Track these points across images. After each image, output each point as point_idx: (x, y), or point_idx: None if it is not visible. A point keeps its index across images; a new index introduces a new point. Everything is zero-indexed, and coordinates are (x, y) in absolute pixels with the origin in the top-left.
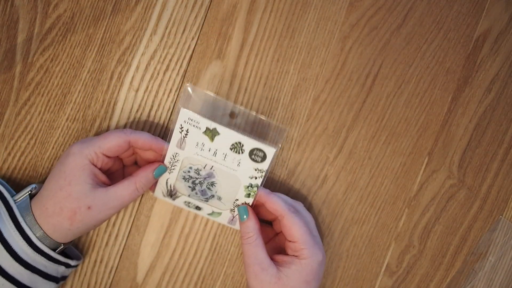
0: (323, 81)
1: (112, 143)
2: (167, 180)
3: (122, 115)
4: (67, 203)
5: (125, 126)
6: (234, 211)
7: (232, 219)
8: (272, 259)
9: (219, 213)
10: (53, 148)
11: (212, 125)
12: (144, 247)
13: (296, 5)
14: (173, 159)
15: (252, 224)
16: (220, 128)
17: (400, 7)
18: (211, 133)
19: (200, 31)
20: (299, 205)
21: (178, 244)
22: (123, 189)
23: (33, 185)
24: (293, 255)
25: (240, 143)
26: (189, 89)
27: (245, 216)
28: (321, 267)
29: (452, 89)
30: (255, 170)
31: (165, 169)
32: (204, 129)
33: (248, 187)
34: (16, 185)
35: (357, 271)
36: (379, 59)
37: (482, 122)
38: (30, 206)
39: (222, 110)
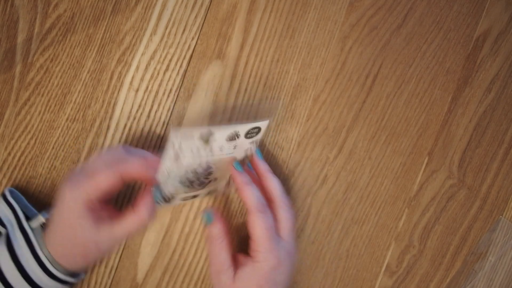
0: (323, 81)
1: (104, 184)
2: (162, 190)
3: (122, 115)
4: (75, 250)
5: (125, 126)
6: (229, 183)
7: (229, 184)
8: (236, 257)
9: (215, 190)
10: (53, 148)
11: (204, 130)
12: (144, 247)
13: (296, 5)
14: (167, 172)
15: (217, 229)
16: (213, 129)
17: (400, 7)
18: (206, 136)
19: (200, 31)
20: (284, 202)
21: (178, 244)
22: (129, 224)
23: (44, 214)
24: (250, 255)
25: (235, 131)
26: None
27: (210, 222)
28: (274, 272)
29: (452, 89)
30: (250, 143)
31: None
32: (198, 135)
33: (244, 158)
34: (16, 185)
35: (357, 271)
36: (379, 59)
37: (482, 122)
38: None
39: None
